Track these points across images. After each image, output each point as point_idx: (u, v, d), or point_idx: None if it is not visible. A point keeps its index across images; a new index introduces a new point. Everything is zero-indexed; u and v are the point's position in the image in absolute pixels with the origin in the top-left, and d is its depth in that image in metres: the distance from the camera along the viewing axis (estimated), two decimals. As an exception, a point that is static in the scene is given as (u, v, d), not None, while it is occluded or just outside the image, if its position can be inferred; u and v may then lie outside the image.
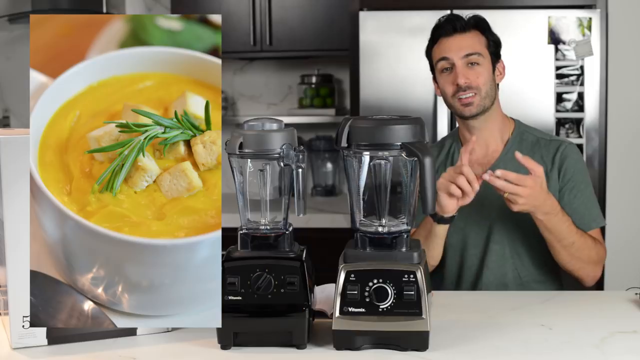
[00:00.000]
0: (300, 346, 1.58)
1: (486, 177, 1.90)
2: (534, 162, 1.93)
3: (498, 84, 2.20)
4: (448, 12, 3.19)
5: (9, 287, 1.58)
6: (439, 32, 2.16)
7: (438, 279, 2.24)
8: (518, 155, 1.93)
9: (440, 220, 2.01)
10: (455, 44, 2.13)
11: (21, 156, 1.56)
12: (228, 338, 1.59)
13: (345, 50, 3.48)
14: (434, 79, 2.22)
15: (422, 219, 2.12)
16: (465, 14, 2.18)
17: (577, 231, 2.05)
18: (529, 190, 1.90)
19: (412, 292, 1.54)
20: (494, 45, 2.17)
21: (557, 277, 2.19)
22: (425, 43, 2.23)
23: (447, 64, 2.14)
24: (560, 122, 3.21)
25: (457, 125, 2.27)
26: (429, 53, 2.22)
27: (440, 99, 3.20)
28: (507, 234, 2.15)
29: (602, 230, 2.23)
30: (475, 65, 2.12)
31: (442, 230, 2.06)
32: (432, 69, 2.22)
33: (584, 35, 3.18)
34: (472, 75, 2.12)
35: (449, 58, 2.13)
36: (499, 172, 1.90)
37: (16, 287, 1.58)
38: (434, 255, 2.13)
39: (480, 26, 2.16)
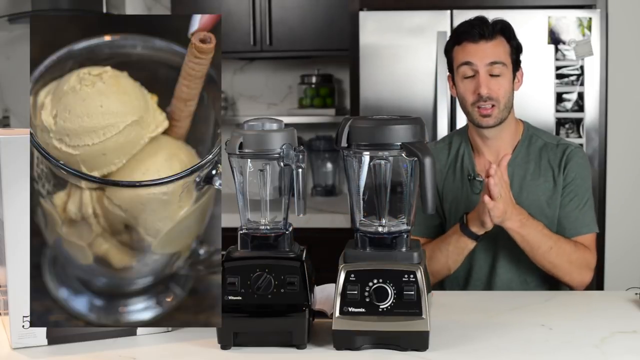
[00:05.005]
0: (300, 346, 1.58)
1: (494, 179, 1.94)
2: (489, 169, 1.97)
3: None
4: (445, 11, 3.20)
5: (9, 287, 1.58)
6: (464, 36, 2.13)
7: (446, 285, 2.23)
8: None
9: (477, 238, 2.06)
10: (480, 50, 2.11)
11: (21, 156, 1.56)
12: (228, 338, 1.59)
13: (345, 50, 3.47)
14: (451, 78, 2.20)
15: (428, 224, 2.10)
16: (491, 17, 2.16)
17: (553, 236, 2.07)
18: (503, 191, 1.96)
19: (412, 292, 1.54)
20: (516, 53, 2.17)
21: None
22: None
23: (470, 71, 2.11)
24: (560, 122, 3.21)
25: (467, 125, 2.26)
26: (448, 51, 2.19)
27: (440, 99, 3.20)
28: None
29: (600, 236, 2.22)
30: (498, 76, 2.11)
31: (473, 245, 2.10)
32: (450, 67, 2.20)
33: (584, 35, 3.18)
34: (494, 85, 2.10)
35: (473, 64, 2.11)
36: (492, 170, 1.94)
37: (16, 287, 1.58)
38: (454, 268, 2.14)
39: (505, 33, 2.15)
